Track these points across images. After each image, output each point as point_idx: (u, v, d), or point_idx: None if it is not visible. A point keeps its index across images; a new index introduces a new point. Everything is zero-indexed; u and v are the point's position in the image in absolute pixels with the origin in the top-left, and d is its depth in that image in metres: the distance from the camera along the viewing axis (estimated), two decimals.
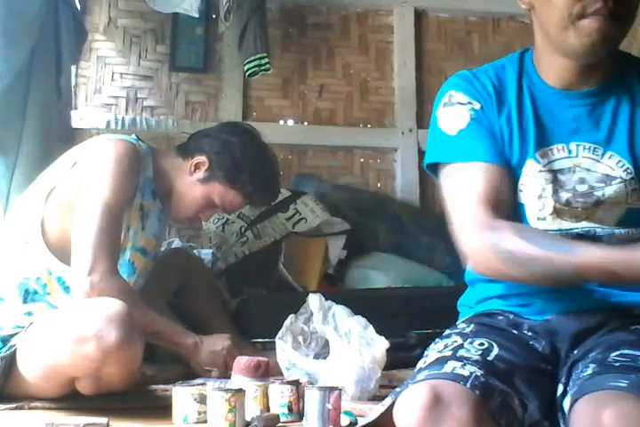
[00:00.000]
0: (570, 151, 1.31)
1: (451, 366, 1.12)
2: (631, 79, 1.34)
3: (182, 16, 3.03)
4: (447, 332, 1.33)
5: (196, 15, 2.92)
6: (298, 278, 2.65)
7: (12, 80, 2.26)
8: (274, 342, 1.77)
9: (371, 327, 1.70)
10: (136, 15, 3.22)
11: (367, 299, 2.34)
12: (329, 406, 1.36)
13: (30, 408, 1.53)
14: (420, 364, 1.22)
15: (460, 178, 1.30)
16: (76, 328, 1.49)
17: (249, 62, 2.96)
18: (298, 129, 3.32)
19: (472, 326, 1.31)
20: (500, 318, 1.33)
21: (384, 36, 3.43)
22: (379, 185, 3.33)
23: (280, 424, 1.44)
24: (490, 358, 1.16)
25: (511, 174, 1.31)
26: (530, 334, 1.28)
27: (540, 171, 1.31)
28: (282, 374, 1.72)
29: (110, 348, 1.45)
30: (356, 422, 1.43)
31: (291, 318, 1.79)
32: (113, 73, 3.19)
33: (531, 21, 1.37)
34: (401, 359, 1.90)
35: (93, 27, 3.16)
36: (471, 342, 1.21)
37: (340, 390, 1.41)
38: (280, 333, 1.76)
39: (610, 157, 1.30)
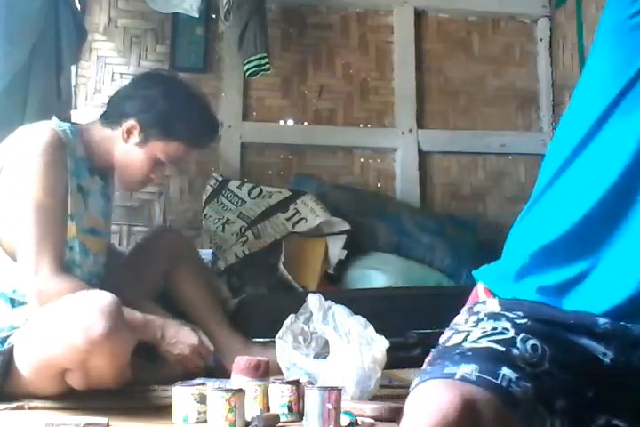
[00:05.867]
0: None
1: (504, 373, 0.94)
2: None
3: (182, 16, 3.03)
4: (495, 309, 1.08)
5: (196, 15, 2.92)
6: (298, 278, 2.65)
7: (12, 80, 2.26)
8: (274, 342, 1.77)
9: (371, 327, 1.71)
10: (136, 15, 3.21)
11: (367, 299, 2.34)
12: (329, 406, 1.36)
13: (30, 408, 1.54)
14: (458, 339, 1.01)
15: None
16: (66, 320, 1.52)
17: (249, 62, 2.96)
18: (298, 129, 3.31)
19: (526, 320, 1.05)
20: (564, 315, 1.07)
21: (384, 36, 3.42)
22: (379, 185, 3.32)
23: (280, 424, 1.45)
24: (540, 371, 0.98)
25: None
26: (597, 340, 1.03)
27: None
28: (282, 374, 1.72)
29: (97, 338, 1.47)
30: (356, 423, 1.43)
31: (291, 318, 1.79)
32: (113, 73, 3.18)
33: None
34: (401, 359, 1.90)
35: (93, 27, 3.15)
36: (524, 342, 1.01)
37: (340, 390, 1.41)
38: (280, 333, 1.76)
39: None
